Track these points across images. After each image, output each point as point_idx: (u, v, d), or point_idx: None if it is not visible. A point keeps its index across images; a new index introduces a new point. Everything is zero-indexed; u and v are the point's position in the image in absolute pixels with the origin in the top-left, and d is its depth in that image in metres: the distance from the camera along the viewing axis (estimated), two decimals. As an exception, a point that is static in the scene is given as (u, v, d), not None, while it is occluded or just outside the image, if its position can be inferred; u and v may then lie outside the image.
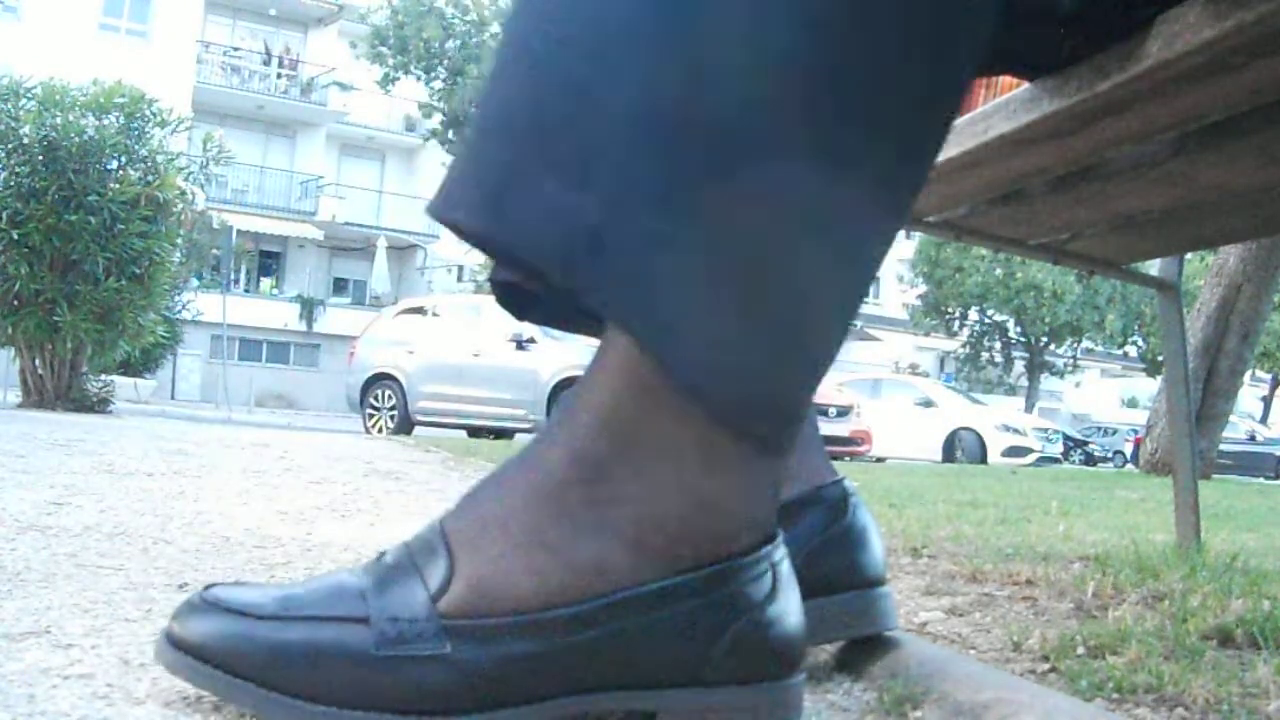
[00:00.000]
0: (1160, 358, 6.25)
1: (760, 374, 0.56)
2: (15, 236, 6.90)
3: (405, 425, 10.37)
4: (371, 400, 10.78)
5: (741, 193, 0.52)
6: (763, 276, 0.54)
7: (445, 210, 0.55)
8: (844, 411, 12.08)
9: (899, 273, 26.98)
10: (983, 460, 13.62)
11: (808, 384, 0.59)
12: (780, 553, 0.64)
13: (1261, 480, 13.95)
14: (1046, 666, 0.93)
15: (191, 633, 0.61)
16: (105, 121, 7.36)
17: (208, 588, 0.64)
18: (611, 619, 0.59)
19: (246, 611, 0.61)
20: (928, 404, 15.13)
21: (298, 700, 0.59)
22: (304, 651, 0.59)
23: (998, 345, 26.41)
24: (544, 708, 0.60)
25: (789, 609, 0.63)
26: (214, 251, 17.35)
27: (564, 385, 9.47)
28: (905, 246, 25.76)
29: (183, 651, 0.61)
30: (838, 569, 0.84)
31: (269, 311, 25.04)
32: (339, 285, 27.75)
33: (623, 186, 0.51)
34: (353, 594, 0.61)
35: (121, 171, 7.39)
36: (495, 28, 21.38)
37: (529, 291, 0.69)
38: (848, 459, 11.07)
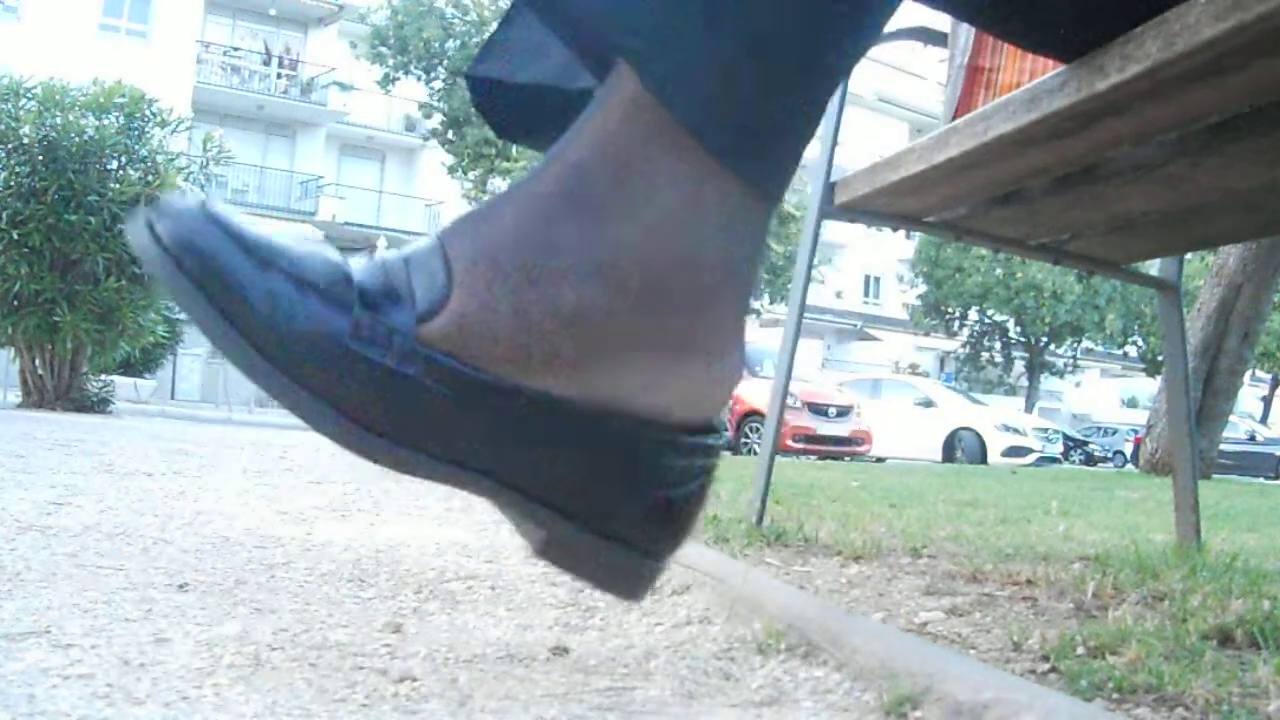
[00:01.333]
0: (1160, 358, 6.26)
1: (758, 111, 0.58)
2: (15, 236, 6.90)
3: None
4: (371, 400, 10.76)
5: None
6: (761, 15, 0.56)
7: None
8: (844, 411, 12.07)
9: (899, 273, 26.97)
10: (983, 460, 13.62)
11: (802, 128, 0.60)
12: (714, 457, 0.65)
13: (1261, 480, 13.94)
14: (1046, 666, 0.93)
15: (172, 236, 0.57)
16: (105, 121, 7.37)
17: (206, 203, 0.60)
18: (554, 422, 0.59)
19: (238, 237, 0.58)
20: (928, 404, 15.12)
21: (250, 348, 0.57)
22: (280, 308, 0.57)
23: (998, 345, 26.40)
24: (458, 473, 0.60)
25: (697, 499, 0.64)
26: (214, 251, 17.33)
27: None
28: (905, 247, 25.77)
29: (161, 248, 0.57)
30: None
31: (269, 311, 25.00)
32: (339, 285, 27.73)
33: None
34: (342, 275, 0.59)
35: (121, 171, 7.39)
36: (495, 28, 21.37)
37: (509, 97, 0.74)
38: (848, 459, 11.07)
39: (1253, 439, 21.28)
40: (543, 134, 0.78)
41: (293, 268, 0.58)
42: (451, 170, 21.72)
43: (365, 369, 0.57)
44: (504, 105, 0.78)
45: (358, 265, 0.62)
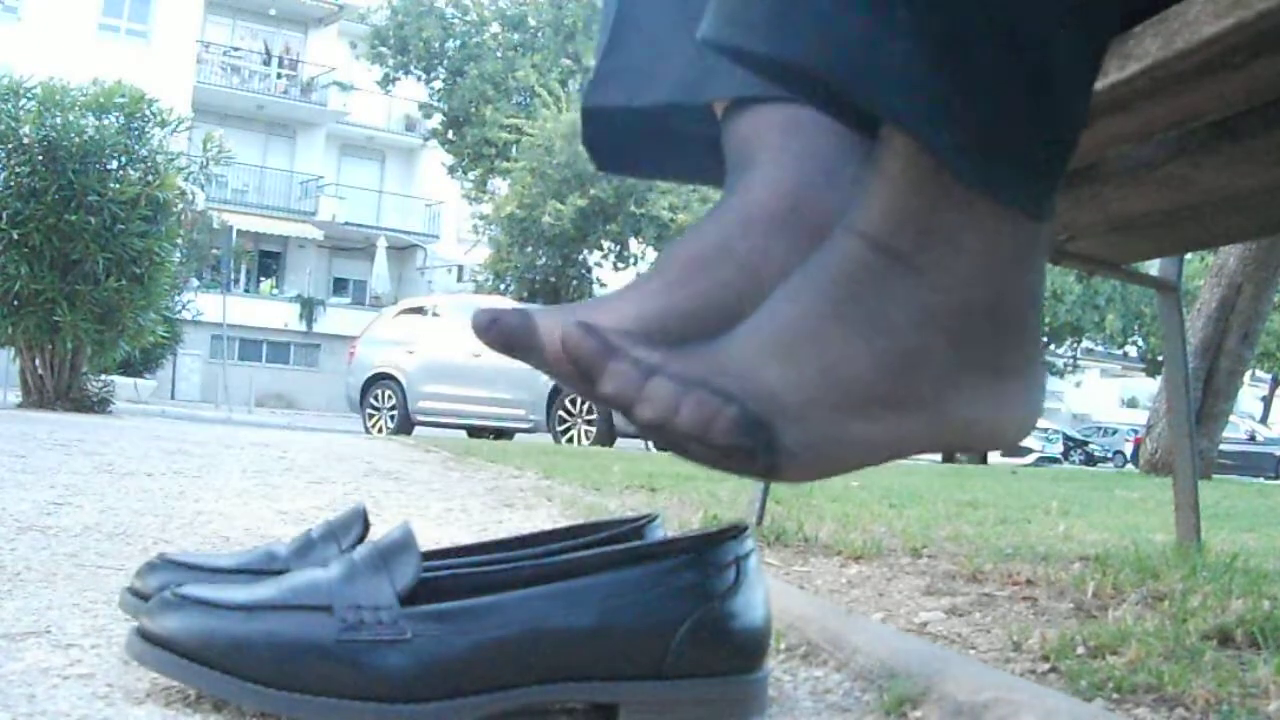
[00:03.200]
0: (1160, 358, 6.26)
1: (1038, 152, 0.60)
2: (15, 236, 6.90)
3: (405, 425, 10.36)
4: (371, 400, 10.78)
5: None
6: (1018, 58, 0.56)
7: (726, 38, 0.58)
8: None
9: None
10: (983, 460, 13.61)
11: (1071, 146, 0.62)
12: (748, 545, 0.64)
13: (1261, 480, 13.94)
14: (1046, 666, 0.93)
15: (161, 627, 0.63)
16: (105, 121, 7.36)
17: (180, 585, 0.66)
18: (571, 606, 0.60)
19: (215, 604, 0.63)
20: (928, 404, 15.11)
21: (265, 687, 0.60)
22: (268, 639, 0.61)
23: (998, 345, 26.35)
24: (505, 696, 0.61)
25: (752, 603, 0.63)
26: (214, 251, 17.35)
27: (564, 385, 9.45)
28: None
29: (152, 644, 0.62)
30: None
31: (269, 311, 25.03)
32: (339, 285, 27.74)
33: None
34: (319, 585, 0.63)
35: (121, 171, 7.39)
36: (495, 28, 21.38)
37: (620, 138, 0.75)
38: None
39: (1253, 439, 21.28)
40: (654, 162, 0.80)
41: (272, 602, 0.63)
42: (451, 170, 21.74)
43: (372, 651, 0.61)
44: (619, 134, 0.79)
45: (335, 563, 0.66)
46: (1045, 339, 24.60)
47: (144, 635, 0.63)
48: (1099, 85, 0.90)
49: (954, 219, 0.60)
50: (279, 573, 0.73)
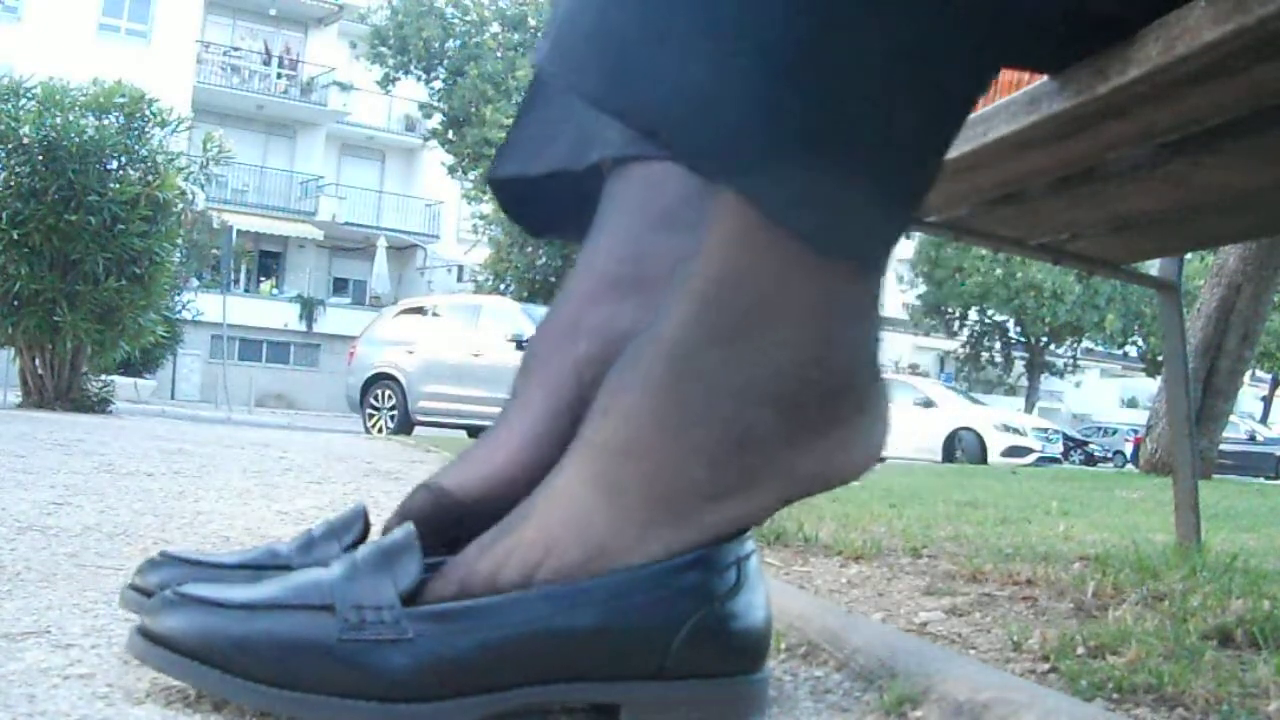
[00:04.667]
0: (1160, 358, 6.25)
1: (877, 215, 0.59)
2: (15, 236, 6.90)
3: (405, 425, 10.36)
4: (371, 400, 10.77)
5: (838, 46, 0.54)
6: (861, 124, 0.56)
7: (566, 72, 0.57)
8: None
9: (899, 273, 26.97)
10: (983, 460, 13.61)
11: (916, 205, 0.61)
12: (748, 547, 0.65)
13: (1261, 480, 13.93)
14: (1046, 666, 0.93)
15: (162, 625, 0.63)
16: (105, 121, 7.36)
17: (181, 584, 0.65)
18: (573, 607, 0.60)
19: (216, 603, 0.62)
20: (928, 404, 15.12)
21: (266, 686, 0.60)
22: (269, 638, 0.61)
23: (998, 345, 26.39)
24: (506, 697, 0.61)
25: (753, 604, 0.64)
26: (214, 251, 17.33)
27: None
28: (905, 247, 25.73)
29: (153, 643, 0.62)
30: None
31: (269, 311, 25.02)
32: (339, 285, 27.73)
33: (727, 53, 0.54)
34: (321, 584, 0.63)
35: (121, 171, 7.38)
36: (495, 28, 21.36)
37: (530, 193, 0.77)
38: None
39: (1253, 439, 21.27)
40: (568, 226, 0.81)
41: (273, 601, 0.63)
42: (451, 170, 21.70)
43: (374, 651, 0.60)
44: (530, 203, 0.81)
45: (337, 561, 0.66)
46: (1045, 339, 24.74)
47: (145, 634, 0.63)
48: (1101, 89, 0.91)
49: (780, 276, 0.59)
50: (281, 569, 0.73)
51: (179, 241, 8.19)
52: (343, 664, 0.60)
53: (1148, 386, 26.60)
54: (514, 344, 10.03)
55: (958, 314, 25.48)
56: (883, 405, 0.66)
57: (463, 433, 10.21)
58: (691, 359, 0.61)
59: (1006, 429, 14.77)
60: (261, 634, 0.61)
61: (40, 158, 7.05)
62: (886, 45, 0.55)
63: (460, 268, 26.01)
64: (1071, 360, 27.07)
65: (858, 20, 0.54)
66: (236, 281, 24.29)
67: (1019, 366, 26.88)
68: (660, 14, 0.55)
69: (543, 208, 0.82)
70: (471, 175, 21.07)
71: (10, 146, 7.05)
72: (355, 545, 0.76)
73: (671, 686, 0.62)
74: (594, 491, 0.62)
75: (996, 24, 0.58)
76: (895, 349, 29.30)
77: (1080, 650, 0.97)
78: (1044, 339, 24.98)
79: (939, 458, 13.91)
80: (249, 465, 2.95)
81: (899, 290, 26.67)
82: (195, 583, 0.66)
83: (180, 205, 7.79)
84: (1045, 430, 15.76)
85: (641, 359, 0.62)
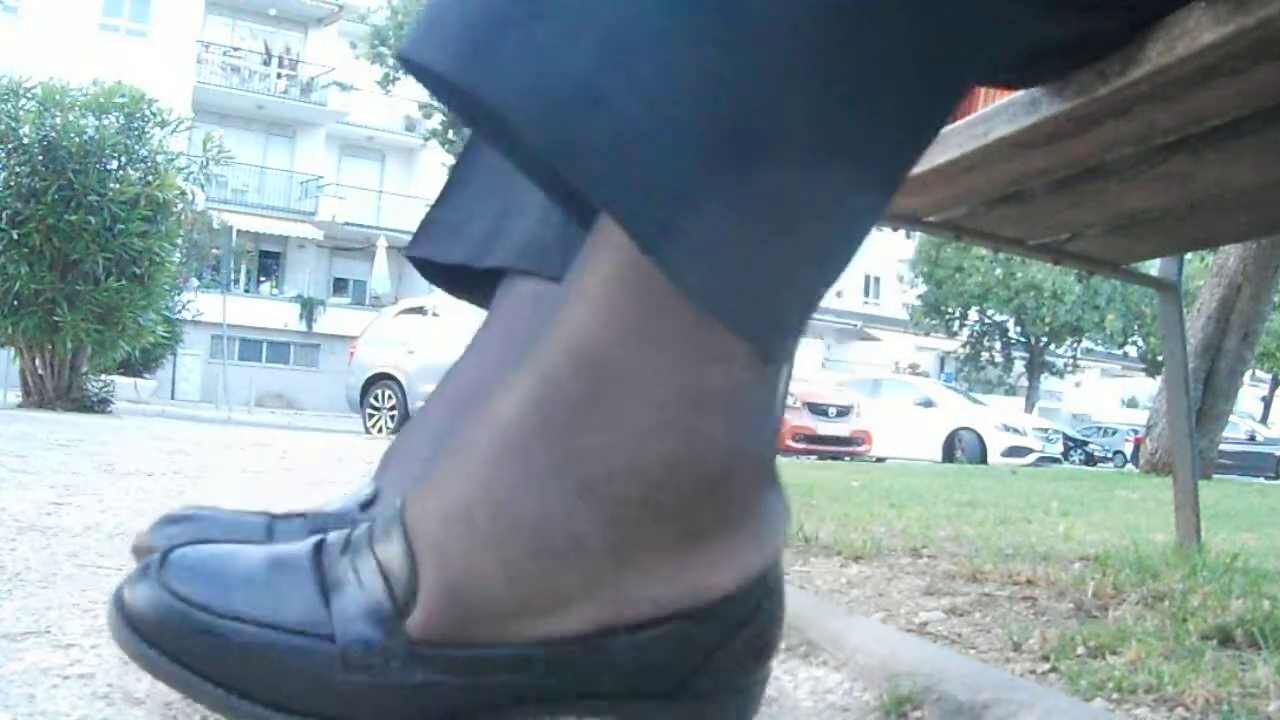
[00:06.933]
0: (1160, 358, 6.25)
1: (764, 270, 0.49)
2: (15, 236, 6.91)
3: (405, 425, 10.35)
4: (371, 400, 10.78)
5: (752, 63, 0.45)
6: (763, 153, 0.46)
7: (419, 52, 0.47)
8: (844, 411, 12.07)
9: (899, 273, 26.99)
10: (983, 460, 13.61)
11: (813, 289, 0.51)
12: (776, 571, 0.61)
13: (1261, 480, 13.94)
14: (1046, 666, 0.93)
15: (143, 619, 0.56)
16: (105, 121, 7.37)
17: (166, 553, 0.58)
18: (593, 651, 0.55)
19: (203, 607, 0.56)
20: (928, 404, 15.12)
21: (265, 708, 0.55)
22: (268, 659, 0.56)
23: (998, 345, 26.39)
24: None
25: (770, 622, 0.59)
26: (214, 251, 17.34)
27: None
28: (905, 246, 25.77)
29: (137, 635, 0.56)
30: None
31: (269, 311, 25.02)
32: (339, 285, 27.73)
33: (621, 39, 0.44)
34: (313, 597, 0.56)
35: (121, 171, 7.39)
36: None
37: (454, 281, 0.80)
38: (848, 459, 11.07)
39: (1253, 439, 21.26)
40: (483, 300, 0.83)
41: (267, 617, 0.56)
42: (451, 170, 21.67)
43: (379, 694, 0.54)
44: (448, 278, 0.85)
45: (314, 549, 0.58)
46: (1045, 339, 24.76)
47: (118, 603, 0.57)
48: (1101, 90, 0.91)
49: (653, 352, 0.50)
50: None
51: (179, 241, 8.20)
52: (345, 696, 0.55)
53: (1148, 386, 26.60)
54: (514, 344, 10.02)
55: (958, 314, 25.48)
56: (772, 521, 0.56)
57: (463, 433, 10.20)
58: (521, 449, 0.52)
59: (1006, 429, 14.78)
60: (259, 650, 0.56)
61: (40, 158, 7.06)
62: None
63: (460, 268, 25.95)
64: (1071, 360, 27.08)
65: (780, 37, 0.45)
66: (236, 281, 24.29)
67: (1019, 366, 26.88)
68: None
69: (456, 280, 0.85)
70: (471, 175, 21.02)
71: (10, 146, 7.05)
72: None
73: (676, 705, 0.60)
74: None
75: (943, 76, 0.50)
76: (895, 349, 29.30)
77: (1080, 650, 0.97)
78: (1044, 339, 24.99)
79: (939, 458, 13.91)
80: (249, 465, 2.95)
81: (899, 290, 26.68)
82: (195, 545, 0.60)
83: (180, 205, 7.80)
84: (1045, 430, 15.77)
85: (469, 445, 0.55)
